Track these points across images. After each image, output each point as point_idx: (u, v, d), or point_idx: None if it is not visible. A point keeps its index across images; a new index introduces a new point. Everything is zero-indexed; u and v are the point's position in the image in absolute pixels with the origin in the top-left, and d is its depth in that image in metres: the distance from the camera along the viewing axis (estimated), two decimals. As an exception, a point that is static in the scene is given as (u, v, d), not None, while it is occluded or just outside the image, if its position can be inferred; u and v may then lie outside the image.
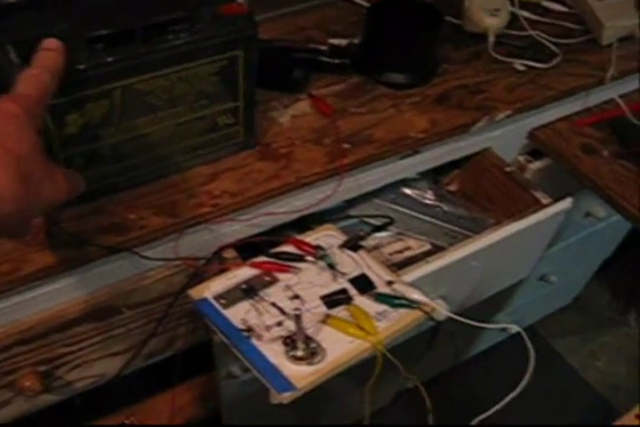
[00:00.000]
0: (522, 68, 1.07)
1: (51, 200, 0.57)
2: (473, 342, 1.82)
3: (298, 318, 0.71)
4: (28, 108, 0.57)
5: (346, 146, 0.90)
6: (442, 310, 0.85)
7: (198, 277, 0.87)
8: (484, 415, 0.88)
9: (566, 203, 0.99)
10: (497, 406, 0.89)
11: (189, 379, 1.43)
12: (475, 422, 0.86)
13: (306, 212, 0.90)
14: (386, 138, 0.91)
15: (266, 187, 0.84)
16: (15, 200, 0.52)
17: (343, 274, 0.83)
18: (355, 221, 1.02)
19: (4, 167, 0.51)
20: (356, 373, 1.36)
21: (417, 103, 0.98)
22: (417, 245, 1.02)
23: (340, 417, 1.63)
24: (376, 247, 1.01)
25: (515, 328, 1.75)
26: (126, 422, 1.18)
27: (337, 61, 0.99)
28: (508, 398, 0.89)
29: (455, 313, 0.89)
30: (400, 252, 1.01)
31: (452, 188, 1.14)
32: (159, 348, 0.98)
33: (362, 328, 0.77)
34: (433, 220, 1.04)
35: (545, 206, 0.98)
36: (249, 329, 0.77)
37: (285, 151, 0.89)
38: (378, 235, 1.02)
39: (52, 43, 0.63)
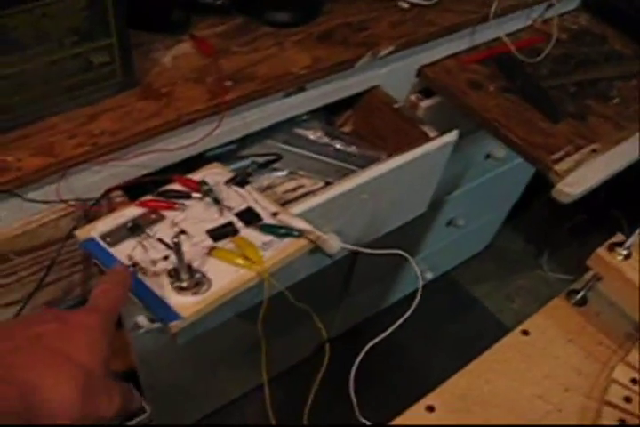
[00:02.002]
0: (406, 5, 1.09)
1: (102, 417, 0.57)
2: (390, 289, 1.86)
3: (177, 247, 0.71)
4: (104, 322, 0.59)
5: (228, 83, 0.90)
6: (328, 238, 0.87)
7: (86, 219, 0.87)
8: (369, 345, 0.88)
9: (452, 135, 1.01)
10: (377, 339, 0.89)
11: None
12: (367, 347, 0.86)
13: (191, 148, 0.90)
14: (268, 74, 0.92)
15: (146, 125, 0.84)
16: (72, 414, 0.53)
17: (229, 208, 0.84)
18: (247, 162, 1.02)
19: (72, 380, 0.53)
20: (275, 323, 1.38)
21: (300, 41, 0.98)
22: (310, 184, 1.03)
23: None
24: (269, 187, 1.02)
25: (429, 275, 1.79)
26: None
27: (218, 2, 0.99)
28: (390, 329, 0.90)
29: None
30: (293, 190, 1.02)
31: (347, 128, 1.16)
32: (56, 296, 0.97)
33: (247, 258, 0.78)
34: (325, 158, 1.06)
35: (432, 139, 1.01)
36: (134, 264, 0.77)
37: (166, 90, 0.88)
38: (271, 175, 1.03)
39: (120, 266, 0.73)
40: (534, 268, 2.24)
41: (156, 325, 1.06)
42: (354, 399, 0.80)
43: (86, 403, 0.54)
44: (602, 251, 0.87)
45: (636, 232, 0.84)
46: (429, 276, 1.92)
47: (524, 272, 2.22)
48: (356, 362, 0.83)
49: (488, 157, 1.51)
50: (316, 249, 0.90)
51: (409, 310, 0.89)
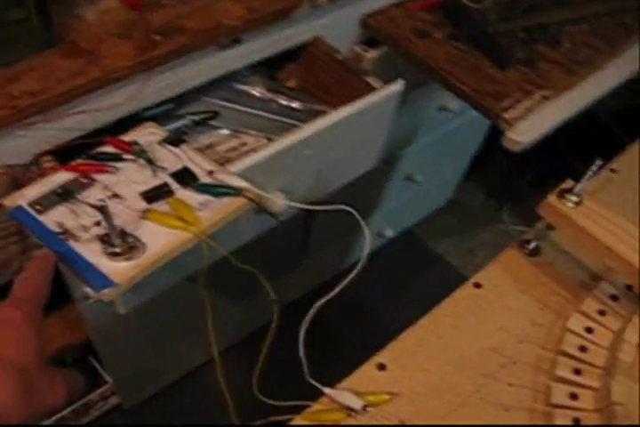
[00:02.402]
0: (344, -49, 1.04)
1: (50, 407, 0.56)
2: (351, 249, 1.84)
3: (104, 210, 0.68)
4: (29, 313, 0.58)
5: (157, 38, 0.85)
6: (272, 197, 0.83)
7: (16, 187, 0.83)
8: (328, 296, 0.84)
9: (397, 85, 0.98)
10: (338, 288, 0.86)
11: (61, 307, 1.40)
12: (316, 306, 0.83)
13: (122, 108, 0.86)
14: (199, 27, 0.87)
15: (71, 84, 0.79)
16: (18, 413, 0.52)
17: (164, 169, 0.80)
18: (186, 122, 0.98)
19: (7, 381, 0.52)
20: (232, 288, 1.35)
21: (233, -9, 0.94)
22: (253, 141, 0.99)
23: (221, 334, 1.62)
24: (210, 146, 0.98)
25: (390, 232, 1.77)
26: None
27: (145, -48, 0.93)
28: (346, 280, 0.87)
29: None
30: (236, 149, 0.98)
31: (291, 84, 1.12)
32: (-6, 270, 0.93)
33: (183, 220, 0.75)
34: (268, 114, 1.02)
35: (376, 90, 0.97)
36: (65, 232, 0.74)
37: (91, 48, 0.84)
38: (212, 133, 0.99)
39: (43, 253, 0.69)
40: (496, 221, 2.23)
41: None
42: (304, 361, 0.77)
43: (28, 401, 0.53)
44: (552, 198, 0.85)
45: (586, 178, 0.82)
46: (390, 233, 1.90)
47: (485, 226, 2.21)
48: (304, 323, 0.80)
49: (441, 109, 1.48)
50: (261, 209, 0.87)
51: (356, 269, 0.85)
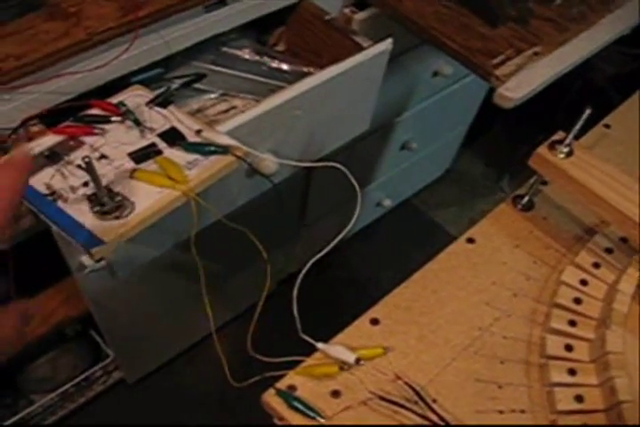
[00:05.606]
0: None
1: None
2: (349, 219, 1.83)
3: (89, 167, 0.67)
4: None
5: (141, -2, 0.84)
6: (264, 158, 0.83)
7: (3, 151, 0.82)
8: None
9: (386, 43, 0.97)
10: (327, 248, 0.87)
11: (59, 281, 1.40)
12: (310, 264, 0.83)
13: (108, 70, 0.85)
14: (184, -13, 0.87)
15: (54, 46, 0.79)
16: None
17: (152, 130, 0.80)
18: (174, 86, 0.97)
19: None
20: (232, 258, 1.35)
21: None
22: (243, 105, 0.99)
23: (224, 305, 1.63)
24: (200, 110, 0.97)
25: (388, 202, 1.76)
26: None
27: None
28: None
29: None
30: (225, 112, 0.98)
31: (281, 47, 1.11)
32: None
33: (171, 178, 0.74)
34: (257, 77, 1.01)
35: (365, 49, 0.96)
36: (53, 193, 0.74)
37: (75, 10, 0.83)
38: (201, 97, 0.98)
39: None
40: (496, 191, 2.22)
41: (102, 263, 1.03)
42: (297, 317, 0.77)
43: None
44: (542, 149, 0.85)
45: (576, 127, 0.81)
46: (389, 203, 1.89)
47: (485, 196, 2.20)
48: (299, 279, 0.80)
49: (436, 74, 1.47)
50: (252, 169, 0.87)
51: (349, 225, 0.85)
